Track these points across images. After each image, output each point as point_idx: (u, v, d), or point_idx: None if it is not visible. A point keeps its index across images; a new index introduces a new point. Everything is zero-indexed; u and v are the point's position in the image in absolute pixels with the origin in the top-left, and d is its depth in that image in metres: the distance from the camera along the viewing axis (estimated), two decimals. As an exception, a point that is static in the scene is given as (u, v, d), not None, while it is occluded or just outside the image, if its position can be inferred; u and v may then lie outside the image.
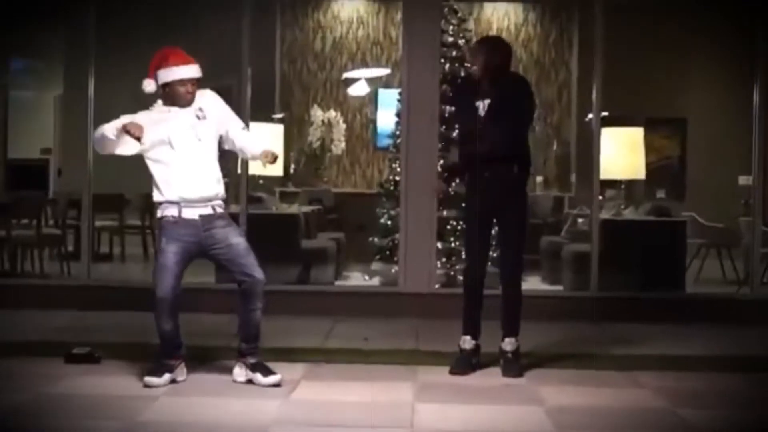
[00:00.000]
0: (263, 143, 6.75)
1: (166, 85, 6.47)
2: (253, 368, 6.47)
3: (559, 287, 10.62)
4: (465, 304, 7.12)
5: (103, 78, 10.21)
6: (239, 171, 9.88)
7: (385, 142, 12.62)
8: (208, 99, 6.56)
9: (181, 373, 6.56)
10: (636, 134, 11.20)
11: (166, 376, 6.44)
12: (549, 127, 14.65)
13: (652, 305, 9.41)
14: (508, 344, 7.06)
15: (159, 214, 6.47)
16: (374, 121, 14.62)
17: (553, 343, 8.09)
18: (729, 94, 13.24)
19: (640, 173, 11.17)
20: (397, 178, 10.19)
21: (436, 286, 9.62)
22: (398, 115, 10.39)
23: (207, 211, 6.41)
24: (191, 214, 6.37)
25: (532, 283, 10.77)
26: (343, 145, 14.48)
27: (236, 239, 6.45)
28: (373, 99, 14.56)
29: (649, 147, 11.80)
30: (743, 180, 11.05)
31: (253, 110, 9.78)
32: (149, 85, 6.53)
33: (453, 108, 7.67)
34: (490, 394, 6.45)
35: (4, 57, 14.67)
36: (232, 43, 9.93)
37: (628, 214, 10.68)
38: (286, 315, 8.35)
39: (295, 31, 14.89)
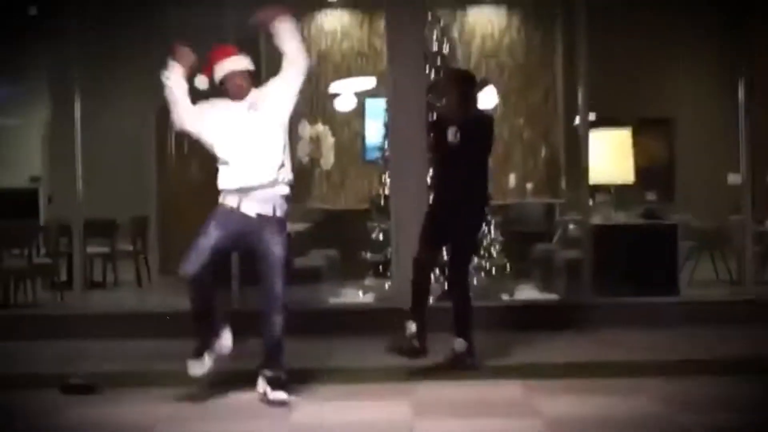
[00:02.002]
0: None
1: (221, 81, 6.58)
2: (268, 381, 6.49)
3: (553, 295, 10.61)
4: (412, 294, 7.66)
5: (89, 103, 10.20)
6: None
7: (374, 154, 12.61)
8: (263, 91, 6.62)
9: (225, 346, 6.65)
10: (624, 136, 11.20)
11: (206, 359, 6.57)
12: (536, 133, 14.62)
13: (646, 310, 9.40)
14: (457, 344, 7.50)
15: (220, 200, 6.56)
16: (363, 134, 14.59)
17: (548, 352, 8.09)
18: (715, 92, 13.26)
19: (629, 176, 11.17)
20: (387, 192, 10.17)
21: (431, 299, 9.58)
22: (386, 125, 10.37)
23: (266, 211, 6.46)
24: (249, 209, 6.44)
25: (526, 292, 10.78)
26: (332, 159, 14.45)
27: (275, 249, 6.47)
28: (360, 110, 14.52)
29: (638, 148, 11.80)
30: (732, 178, 11.06)
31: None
32: (202, 82, 6.73)
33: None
34: (488, 409, 6.42)
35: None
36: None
37: (619, 218, 10.67)
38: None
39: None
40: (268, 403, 6.43)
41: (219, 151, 6.57)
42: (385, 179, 10.69)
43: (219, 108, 6.62)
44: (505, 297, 10.28)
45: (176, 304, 10.76)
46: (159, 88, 14.33)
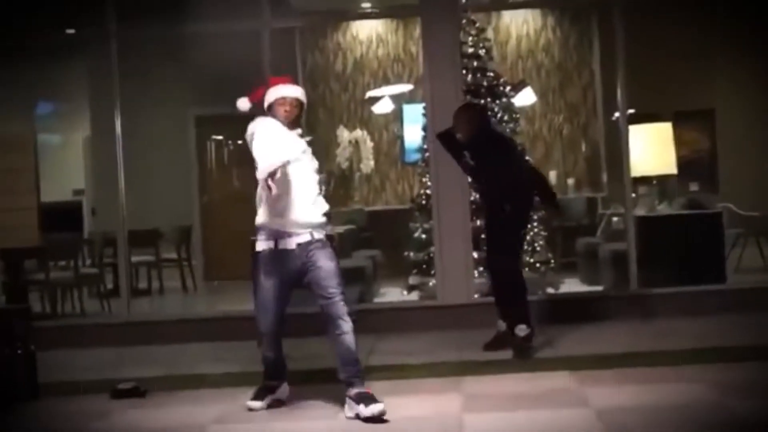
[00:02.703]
0: None
1: (269, 106, 6.42)
2: (357, 400, 6.12)
3: (599, 287, 10.57)
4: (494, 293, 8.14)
5: (130, 114, 10.29)
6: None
7: (414, 156, 12.64)
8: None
9: (284, 392, 6.59)
10: (664, 129, 11.14)
11: (268, 398, 6.51)
12: (576, 129, 14.60)
13: (692, 298, 9.34)
14: (520, 330, 7.73)
15: (257, 247, 6.35)
16: (401, 137, 14.62)
17: (596, 344, 8.06)
18: (755, 82, 13.17)
19: (671, 168, 11.10)
20: (428, 192, 10.19)
21: (475, 296, 9.58)
22: (424, 129, 10.40)
23: (304, 238, 6.28)
24: (288, 244, 6.27)
25: (570, 285, 10.75)
26: (371, 163, 14.49)
27: (325, 262, 6.27)
28: (398, 115, 14.57)
29: (679, 140, 11.73)
30: (775, 167, 10.98)
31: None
32: (243, 104, 6.52)
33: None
34: (538, 400, 6.40)
35: (31, 101, 14.82)
36: (253, 72, 9.95)
37: (663, 209, 10.61)
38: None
39: (315, 54, 14.92)
40: (365, 421, 6.05)
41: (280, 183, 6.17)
42: (425, 180, 10.68)
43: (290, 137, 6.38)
44: (550, 291, 10.25)
45: (220, 309, 10.99)
46: (196, 97, 14.52)
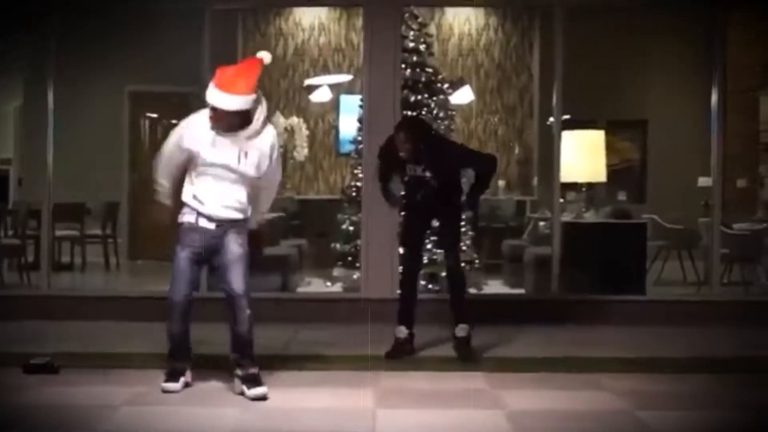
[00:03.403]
0: (262, 215, 6.88)
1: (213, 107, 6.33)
2: (243, 380, 6.45)
3: (521, 290, 10.65)
4: (401, 298, 7.93)
5: (64, 86, 10.15)
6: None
7: (348, 147, 12.62)
8: (262, 139, 6.43)
9: (189, 376, 6.61)
10: (597, 137, 11.25)
11: (182, 380, 6.52)
12: (511, 131, 14.70)
13: (613, 307, 9.44)
14: (461, 330, 7.69)
15: (179, 219, 6.47)
16: (336, 127, 14.62)
17: (514, 346, 8.13)
18: (688, 96, 13.32)
19: (600, 176, 11.22)
20: (359, 184, 10.19)
21: (398, 291, 9.59)
22: (360, 120, 10.40)
23: (227, 216, 6.40)
24: (208, 223, 6.39)
25: (493, 287, 10.82)
26: (305, 151, 14.46)
27: (234, 247, 6.42)
28: (335, 105, 14.56)
29: (610, 149, 11.87)
30: (702, 181, 11.12)
31: (213, 117, 9.73)
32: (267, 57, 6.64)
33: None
34: (451, 399, 6.45)
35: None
36: (192, 51, 9.88)
37: (589, 216, 10.72)
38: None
39: (256, 38, 14.85)
40: (249, 400, 6.34)
41: (197, 175, 6.40)
42: (357, 172, 10.68)
43: (213, 134, 6.35)
44: (473, 291, 10.29)
45: (143, 288, 10.90)
46: (132, 74, 14.34)
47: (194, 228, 6.40)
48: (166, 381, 6.51)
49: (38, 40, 10.17)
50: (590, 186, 11.38)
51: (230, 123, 6.30)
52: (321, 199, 14.03)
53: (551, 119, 10.10)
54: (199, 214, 6.39)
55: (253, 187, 6.51)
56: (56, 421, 5.85)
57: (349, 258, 10.41)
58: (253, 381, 6.42)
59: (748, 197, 13.21)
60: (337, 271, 10.53)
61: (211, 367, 6.88)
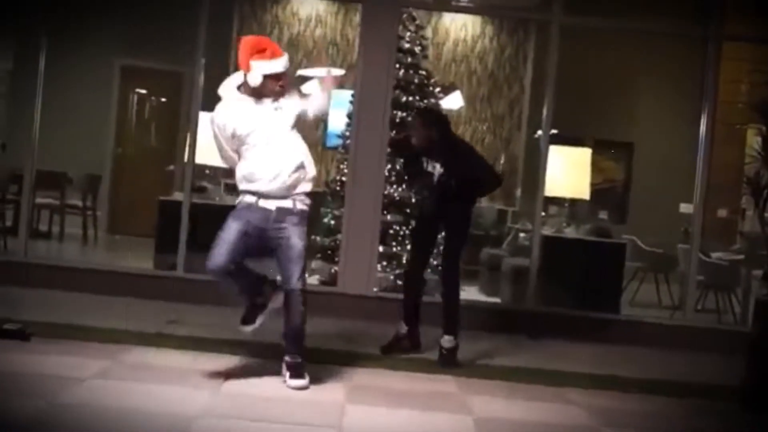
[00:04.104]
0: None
1: (264, 77, 6.32)
2: (287, 367, 6.52)
3: (497, 299, 10.68)
4: (402, 295, 8.08)
5: (56, 54, 10.11)
6: (185, 159, 9.81)
7: (335, 141, 12.60)
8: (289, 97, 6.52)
9: (277, 300, 6.56)
10: (583, 154, 11.28)
11: (259, 319, 6.57)
12: (498, 141, 14.73)
13: (586, 324, 9.48)
14: (446, 341, 7.66)
15: (237, 200, 6.48)
16: (325, 121, 14.58)
17: (486, 354, 8.14)
18: (677, 121, 13.40)
19: (584, 193, 11.24)
20: (344, 179, 10.19)
21: (375, 289, 9.62)
22: (349, 116, 10.39)
23: (286, 204, 6.37)
24: (268, 204, 6.36)
25: (470, 293, 10.82)
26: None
27: (296, 241, 6.38)
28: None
29: (595, 168, 11.91)
30: (684, 207, 11.17)
31: (205, 100, 9.67)
32: (254, 79, 6.31)
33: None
34: (421, 401, 6.46)
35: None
36: (188, 31, 9.86)
37: (570, 232, 10.75)
38: (219, 307, 8.27)
39: (252, 25, 14.82)
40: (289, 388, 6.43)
41: (247, 149, 6.37)
42: (342, 167, 10.67)
43: (243, 109, 6.37)
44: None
45: (120, 263, 10.87)
46: (126, 48, 14.29)
47: (252, 207, 6.38)
48: (242, 323, 6.60)
49: (33, 5, 10.11)
50: (573, 202, 11.40)
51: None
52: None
53: (539, 133, 10.13)
54: (259, 196, 6.35)
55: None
56: (21, 388, 5.83)
57: (329, 251, 10.40)
58: (296, 372, 6.48)
59: (728, 227, 13.30)
60: (315, 264, 10.51)
61: (197, 349, 6.87)
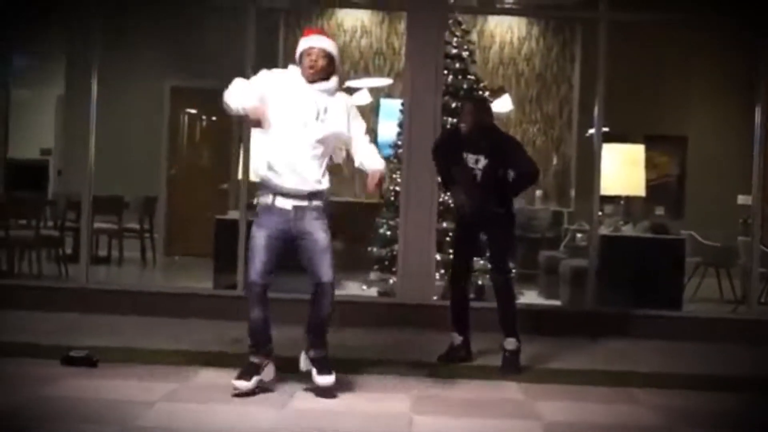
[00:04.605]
0: (380, 161, 6.74)
1: (300, 56, 6.46)
2: (314, 362, 6.52)
3: (557, 302, 10.63)
4: (452, 304, 7.94)
5: (107, 78, 10.21)
6: (239, 177, 9.87)
7: (387, 152, 12.59)
8: (337, 101, 6.51)
9: (269, 373, 6.55)
10: (637, 151, 11.22)
11: (254, 379, 6.44)
12: (549, 141, 14.67)
13: (648, 322, 9.41)
14: (509, 344, 7.59)
15: (255, 200, 6.56)
16: (375, 131, 14.61)
17: (549, 358, 8.10)
18: (730, 113, 13.28)
19: (639, 190, 11.19)
20: (398, 189, 10.20)
21: (435, 297, 9.62)
22: (400, 125, 10.40)
23: (302, 202, 6.40)
24: (284, 204, 6.38)
25: (529, 297, 10.80)
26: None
27: (320, 235, 6.41)
28: (375, 109, 14.56)
29: (650, 164, 11.84)
30: (742, 199, 11.07)
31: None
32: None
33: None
34: (488, 408, 6.44)
35: (7, 54, 14.67)
36: (235, 48, 9.94)
37: (627, 230, 10.69)
38: (286, 324, 8.30)
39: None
40: (314, 388, 6.46)
41: (269, 139, 6.38)
42: (395, 176, 10.68)
43: (293, 85, 6.42)
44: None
45: (180, 284, 10.97)
46: (175, 69, 14.43)
47: (270, 209, 6.40)
48: (238, 377, 6.43)
49: (83, 31, 10.22)
50: (628, 200, 11.35)
51: (324, 66, 6.41)
52: (358, 203, 14.02)
53: (591, 131, 10.08)
54: (275, 193, 6.38)
55: (344, 144, 6.60)
56: (93, 414, 5.88)
57: (386, 262, 10.41)
58: (325, 367, 6.48)
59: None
60: (373, 275, 10.53)
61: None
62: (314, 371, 6.49)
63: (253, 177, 6.57)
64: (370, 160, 6.66)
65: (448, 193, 8.19)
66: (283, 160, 6.35)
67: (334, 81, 6.48)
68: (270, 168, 6.38)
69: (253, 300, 6.44)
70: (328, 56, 6.44)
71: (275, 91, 6.41)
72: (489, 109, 7.96)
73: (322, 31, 6.71)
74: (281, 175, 6.36)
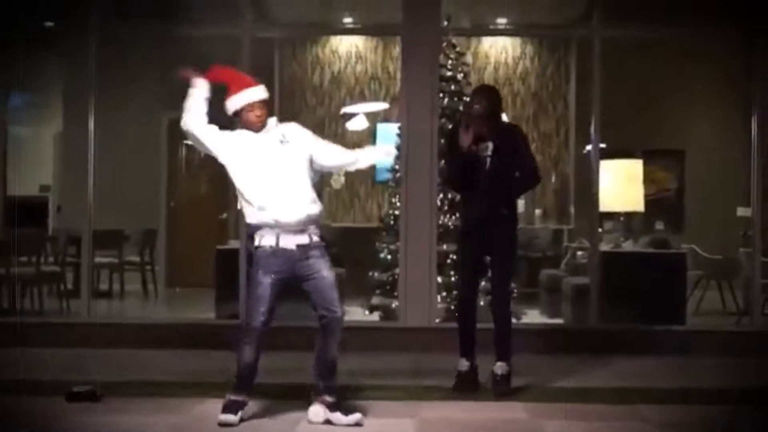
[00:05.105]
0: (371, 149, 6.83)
1: (236, 113, 6.47)
2: (332, 408, 6.42)
3: (559, 320, 10.61)
4: (460, 329, 7.62)
5: (104, 115, 10.23)
6: (239, 206, 9.86)
7: (385, 176, 12.61)
8: (291, 127, 6.58)
9: (248, 411, 6.50)
10: (635, 166, 11.23)
11: (239, 414, 6.39)
12: (547, 160, 14.68)
13: (652, 337, 9.40)
14: (499, 368, 7.45)
15: (256, 242, 6.43)
16: (373, 155, 14.61)
17: (553, 377, 8.07)
18: (727, 125, 13.31)
19: (639, 205, 11.19)
20: (397, 212, 10.20)
21: (437, 320, 9.60)
22: (398, 148, 10.40)
23: (304, 240, 6.37)
24: (288, 243, 6.34)
25: (532, 316, 10.79)
26: (342, 179, 14.47)
27: (327, 272, 6.39)
28: (372, 133, 14.58)
29: (648, 179, 11.84)
30: (741, 211, 11.06)
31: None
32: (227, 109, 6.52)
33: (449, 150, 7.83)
34: (492, 429, 6.42)
35: (4, 92, 14.70)
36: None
37: (628, 246, 10.68)
38: (288, 351, 8.30)
39: (293, 66, 14.94)
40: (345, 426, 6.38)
41: (248, 186, 6.39)
42: (394, 200, 10.69)
43: (246, 138, 6.45)
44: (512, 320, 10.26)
45: (182, 315, 10.97)
46: (171, 102, 14.40)
47: (275, 252, 6.34)
48: (224, 412, 6.37)
49: (78, 67, 10.28)
50: (628, 215, 11.34)
51: (267, 112, 6.47)
52: (358, 228, 14.03)
53: (588, 148, 10.10)
54: (276, 234, 6.33)
55: (324, 166, 6.61)
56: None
57: (387, 287, 10.41)
58: (342, 407, 6.43)
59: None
60: (375, 300, 10.53)
61: (267, 396, 6.90)
62: (339, 415, 6.38)
63: (251, 221, 6.48)
64: (362, 152, 6.78)
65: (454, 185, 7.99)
66: (271, 193, 6.32)
67: (273, 119, 6.53)
68: (261, 208, 6.34)
69: (250, 343, 6.40)
70: (266, 102, 6.51)
71: (232, 143, 6.43)
72: (500, 97, 7.76)
73: (250, 79, 6.64)
74: (275, 208, 6.31)
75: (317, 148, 6.57)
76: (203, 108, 6.50)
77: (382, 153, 6.98)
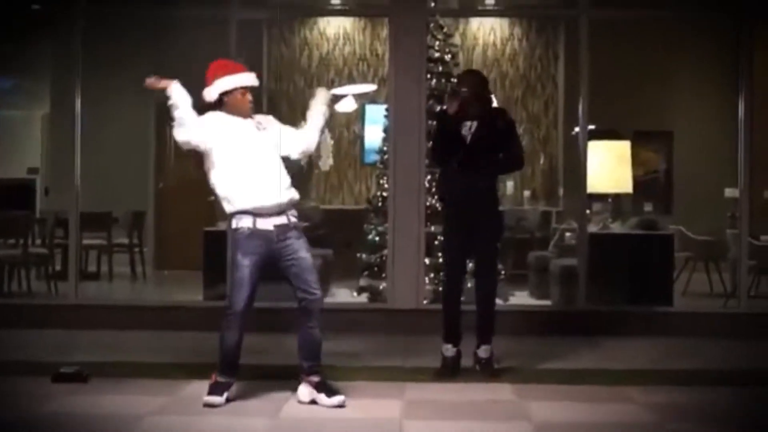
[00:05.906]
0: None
1: (225, 93, 6.47)
2: (318, 388, 6.45)
3: (547, 302, 10.62)
4: (445, 314, 7.53)
5: (91, 96, 10.19)
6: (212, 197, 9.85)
7: (373, 157, 12.62)
8: (264, 116, 6.69)
9: (233, 392, 6.53)
10: (623, 147, 11.22)
11: (225, 395, 6.43)
12: (536, 141, 14.68)
13: (640, 319, 9.42)
14: (483, 351, 7.45)
15: (233, 225, 6.42)
16: (362, 137, 14.62)
17: (541, 358, 8.08)
18: (714, 106, 13.29)
19: (627, 186, 11.19)
20: (385, 194, 10.19)
21: (425, 301, 9.61)
22: (385, 130, 10.40)
23: (282, 220, 6.41)
24: (266, 224, 6.37)
25: (520, 298, 10.79)
26: (330, 161, 14.45)
27: (305, 254, 6.44)
28: (360, 115, 14.56)
29: (636, 160, 11.84)
30: (729, 192, 11.08)
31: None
32: (208, 94, 6.50)
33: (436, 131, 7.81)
34: (478, 410, 6.43)
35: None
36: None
37: (616, 227, 10.69)
38: (273, 333, 8.32)
39: (281, 48, 14.90)
40: (327, 407, 6.39)
41: (230, 170, 6.38)
42: (382, 182, 10.67)
43: (228, 122, 6.46)
44: (499, 302, 10.25)
45: (170, 297, 10.96)
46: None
47: (253, 233, 6.36)
48: (210, 394, 6.40)
49: (65, 49, 10.24)
50: (616, 197, 11.34)
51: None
52: (346, 209, 14.02)
53: (577, 129, 10.08)
54: (255, 215, 6.35)
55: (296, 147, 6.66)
56: (84, 430, 5.89)
57: (375, 268, 10.40)
58: (329, 388, 6.47)
59: (775, 209, 13.17)
60: (363, 281, 10.52)
61: (252, 377, 6.91)
62: (323, 396, 6.41)
63: (229, 208, 6.46)
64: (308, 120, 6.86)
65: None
66: (251, 177, 6.35)
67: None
68: (240, 192, 6.36)
69: (233, 326, 6.43)
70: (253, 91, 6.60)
71: (218, 126, 6.44)
72: (487, 81, 7.79)
73: (240, 65, 6.72)
74: (254, 192, 6.34)
75: (287, 135, 6.64)
76: (191, 112, 6.43)
77: (327, 98, 7.13)
